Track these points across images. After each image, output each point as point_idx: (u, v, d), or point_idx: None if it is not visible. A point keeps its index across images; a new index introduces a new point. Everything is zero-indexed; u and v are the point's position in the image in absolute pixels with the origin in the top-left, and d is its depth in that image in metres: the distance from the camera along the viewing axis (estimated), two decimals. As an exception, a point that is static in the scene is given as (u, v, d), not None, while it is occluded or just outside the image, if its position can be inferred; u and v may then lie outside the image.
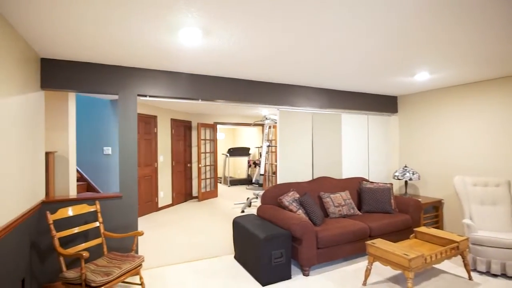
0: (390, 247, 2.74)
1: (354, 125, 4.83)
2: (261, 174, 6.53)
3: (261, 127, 10.07)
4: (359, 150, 4.88)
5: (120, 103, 3.15)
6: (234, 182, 9.99)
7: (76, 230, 2.61)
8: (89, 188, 5.54)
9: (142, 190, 5.75)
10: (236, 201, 7.15)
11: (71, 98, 4.39)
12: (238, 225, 3.42)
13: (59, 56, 2.83)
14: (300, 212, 3.44)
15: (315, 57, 2.89)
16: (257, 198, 5.90)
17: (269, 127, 6.57)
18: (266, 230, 3.04)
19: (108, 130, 5.39)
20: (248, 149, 10.24)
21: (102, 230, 2.78)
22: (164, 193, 6.41)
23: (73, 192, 4.37)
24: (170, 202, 6.60)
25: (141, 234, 2.67)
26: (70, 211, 2.61)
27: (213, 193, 7.68)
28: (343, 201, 3.96)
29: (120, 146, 3.15)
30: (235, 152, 9.99)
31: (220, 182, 10.58)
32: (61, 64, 2.93)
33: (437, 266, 3.37)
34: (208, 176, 7.64)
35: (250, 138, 10.99)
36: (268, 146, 6.74)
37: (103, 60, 2.97)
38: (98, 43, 2.47)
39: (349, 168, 4.76)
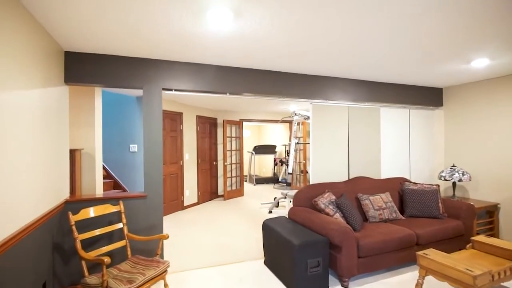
0: (447, 260, 2.36)
1: (394, 120, 4.40)
2: (289, 173, 6.23)
3: (287, 124, 9.75)
4: (400, 147, 4.44)
5: (145, 98, 2.98)
6: (260, 180, 9.75)
7: (97, 232, 2.46)
8: (116, 185, 5.51)
9: (168, 189, 5.65)
10: (263, 201, 6.90)
11: (98, 95, 4.32)
12: (269, 229, 3.16)
13: (83, 49, 2.70)
14: (338, 215, 3.12)
15: (355, 41, 2.55)
16: (285, 198, 5.61)
17: (298, 124, 6.25)
18: (301, 236, 2.75)
19: (134, 127, 5.32)
20: (274, 146, 9.96)
21: (126, 232, 2.62)
22: (190, 191, 6.29)
23: (99, 190, 4.31)
24: (195, 200, 6.47)
25: (166, 237, 2.48)
26: (92, 212, 2.47)
27: (239, 192, 7.48)
28: (384, 204, 3.58)
29: (145, 143, 2.99)
30: (260, 150, 9.75)
31: (246, 181, 10.39)
32: (85, 57, 2.81)
33: (505, 284, 2.92)
34: (233, 174, 7.45)
35: (276, 135, 10.69)
36: (297, 143, 6.41)
37: (127, 52, 2.80)
38: (122, 33, 2.30)
39: (389, 167, 4.34)
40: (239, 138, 7.60)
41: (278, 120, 8.00)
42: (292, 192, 5.50)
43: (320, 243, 2.68)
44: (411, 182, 4.02)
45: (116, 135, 5.61)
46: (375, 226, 3.25)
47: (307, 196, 3.46)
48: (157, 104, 3.02)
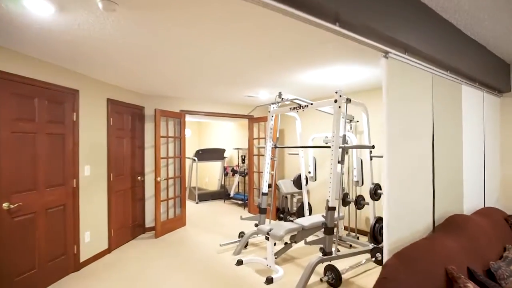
0: None
1: (473, 108, 2.58)
2: (263, 194, 4.01)
3: (241, 121, 7.51)
4: (475, 155, 2.65)
5: None
6: (204, 196, 7.26)
7: None
8: None
9: (41, 238, 2.83)
10: (218, 235, 4.51)
11: None
12: None
13: None
14: None
15: None
16: (267, 238, 3.35)
17: (273, 117, 4.10)
18: None
19: None
20: (223, 151, 7.60)
21: None
22: (93, 232, 3.51)
23: None
24: (104, 247, 3.71)
25: None
26: None
27: (179, 221, 4.91)
28: (534, 280, 1.65)
29: None
30: (205, 155, 7.27)
31: (183, 196, 7.75)
32: None
33: None
34: (171, 194, 4.85)
35: (224, 136, 8.33)
36: (275, 147, 4.24)
37: None
38: None
39: (470, 189, 2.49)
40: (181, 138, 5.04)
41: (245, 115, 5.70)
42: (280, 231, 3.27)
43: None
44: (521, 218, 2.22)
45: None
46: None
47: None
48: None
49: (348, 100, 3.27)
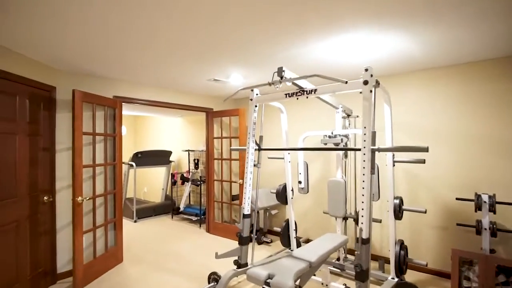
0: None
1: None
2: (245, 216, 2.82)
3: (193, 117, 6.13)
4: None
5: None
6: (145, 211, 5.65)
7: None
8: None
9: None
10: (176, 277, 3.15)
11: None
12: None
13: None
14: None
15: None
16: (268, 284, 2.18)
17: (257, 107, 2.93)
18: None
19: None
20: (169, 153, 6.10)
21: None
22: None
23: None
24: (-29, 331, 2.06)
25: None
26: None
27: (112, 257, 3.37)
28: None
29: None
30: (145, 159, 5.68)
31: (115, 213, 5.99)
32: None
33: None
34: (100, 219, 3.28)
35: (169, 134, 6.80)
36: (258, 149, 3.06)
37: None
38: None
39: None
40: (114, 137, 3.50)
41: (204, 108, 4.34)
42: (286, 278, 2.13)
43: None
44: None
45: None
46: None
47: None
48: None
49: (377, 84, 2.32)
